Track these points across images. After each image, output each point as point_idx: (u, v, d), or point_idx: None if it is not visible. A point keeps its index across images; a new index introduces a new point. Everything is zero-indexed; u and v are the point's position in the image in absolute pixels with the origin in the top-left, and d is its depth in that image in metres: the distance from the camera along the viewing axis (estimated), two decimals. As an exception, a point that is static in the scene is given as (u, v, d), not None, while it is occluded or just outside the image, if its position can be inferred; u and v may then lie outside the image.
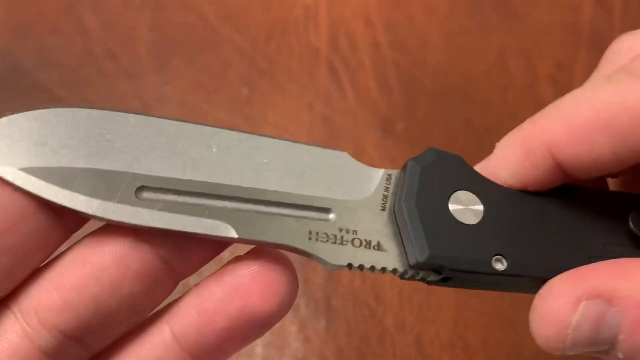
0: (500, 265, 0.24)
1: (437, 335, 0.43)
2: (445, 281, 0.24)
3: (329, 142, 0.48)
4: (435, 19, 0.53)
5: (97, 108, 0.23)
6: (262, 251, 0.23)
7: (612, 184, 0.29)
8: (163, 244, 0.22)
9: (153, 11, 0.51)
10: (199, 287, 0.23)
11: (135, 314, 0.23)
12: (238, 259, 0.23)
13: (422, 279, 0.24)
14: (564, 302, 0.21)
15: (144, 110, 0.48)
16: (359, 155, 0.48)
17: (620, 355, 0.21)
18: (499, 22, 0.53)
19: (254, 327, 0.22)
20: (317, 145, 0.24)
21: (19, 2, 0.51)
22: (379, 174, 0.25)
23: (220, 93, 0.49)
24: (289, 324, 0.43)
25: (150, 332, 0.23)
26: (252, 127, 0.48)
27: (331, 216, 0.23)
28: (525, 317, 0.23)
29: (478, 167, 0.25)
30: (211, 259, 0.23)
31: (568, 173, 0.23)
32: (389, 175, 0.25)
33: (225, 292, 0.22)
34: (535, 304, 0.22)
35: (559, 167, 0.23)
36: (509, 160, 0.24)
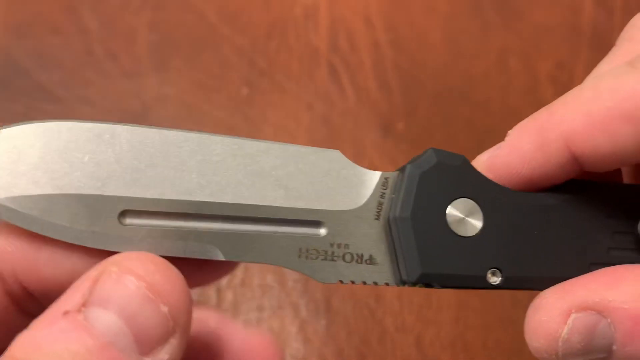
0: (495, 279, 0.23)
1: (438, 335, 0.43)
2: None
3: (329, 142, 0.48)
4: (435, 19, 0.53)
5: (72, 120, 0.21)
6: None
7: (626, 174, 0.28)
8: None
9: (153, 11, 0.51)
10: None
11: None
12: None
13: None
14: (553, 315, 0.21)
15: (144, 110, 0.48)
16: (359, 155, 0.48)
17: None
18: (499, 22, 0.53)
19: None
20: (308, 146, 0.23)
21: (19, 2, 0.51)
22: (375, 177, 0.23)
23: (220, 93, 0.49)
24: (289, 324, 0.43)
25: None
26: (252, 126, 0.48)
27: (322, 230, 0.22)
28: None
29: (488, 155, 0.24)
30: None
31: (584, 166, 0.22)
32: (386, 179, 0.23)
33: None
34: (528, 315, 0.22)
35: (575, 159, 0.22)
36: (522, 150, 0.23)
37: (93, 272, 0.18)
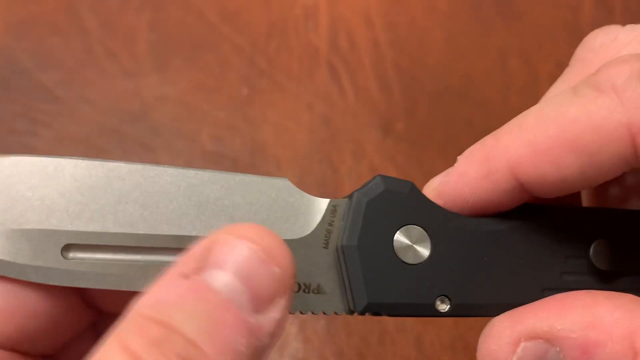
0: (444, 306, 0.23)
1: (438, 335, 0.43)
2: None
3: (329, 142, 0.48)
4: (436, 19, 0.53)
5: (15, 154, 0.21)
6: None
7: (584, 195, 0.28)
8: None
9: (153, 11, 0.51)
10: None
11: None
12: None
13: None
14: (502, 343, 0.21)
15: (144, 110, 0.48)
16: (359, 155, 0.48)
17: None
18: (500, 22, 0.53)
19: None
20: (255, 175, 0.22)
21: (19, 2, 0.51)
22: (323, 205, 0.23)
23: (220, 93, 0.49)
24: (289, 324, 0.43)
25: None
26: (252, 126, 0.48)
27: None
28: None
29: (437, 182, 0.24)
30: None
31: (532, 192, 0.22)
32: (334, 206, 0.23)
33: None
34: (479, 342, 0.22)
35: (522, 187, 0.22)
36: (469, 177, 0.23)
37: (204, 242, 0.19)
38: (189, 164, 0.47)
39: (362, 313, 0.23)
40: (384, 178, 0.23)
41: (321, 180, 0.46)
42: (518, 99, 0.50)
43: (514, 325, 0.21)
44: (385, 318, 0.43)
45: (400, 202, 0.23)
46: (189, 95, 0.49)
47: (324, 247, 0.23)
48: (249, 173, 0.22)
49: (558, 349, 0.20)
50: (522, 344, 0.20)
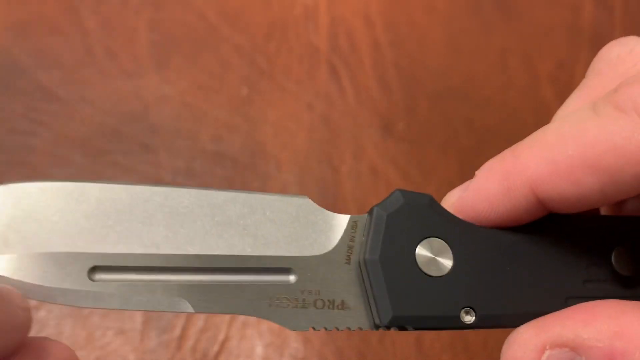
0: (469, 318, 0.23)
1: (438, 335, 0.43)
2: None
3: (329, 142, 0.48)
4: (435, 19, 0.53)
5: (42, 180, 0.21)
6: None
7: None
8: None
9: (153, 11, 0.51)
10: None
11: None
12: None
13: None
14: (527, 351, 0.21)
15: (144, 110, 0.48)
16: (359, 155, 0.48)
17: None
18: (500, 22, 0.53)
19: None
20: (275, 193, 0.23)
21: (19, 2, 0.51)
22: (343, 221, 0.23)
23: (220, 93, 0.49)
24: (289, 324, 0.43)
25: None
26: (252, 126, 0.48)
27: (292, 277, 0.22)
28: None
29: (455, 195, 0.24)
30: None
31: (551, 209, 0.23)
32: (355, 222, 0.23)
33: None
34: (503, 350, 0.22)
35: (541, 204, 0.22)
36: (488, 193, 0.23)
37: None
38: (189, 164, 0.47)
39: (387, 327, 0.22)
40: (403, 192, 0.23)
41: (321, 180, 0.46)
42: (518, 99, 0.50)
43: (540, 333, 0.21)
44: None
45: (420, 214, 0.23)
46: (189, 95, 0.49)
47: (346, 263, 0.23)
48: (270, 193, 0.23)
49: (584, 358, 0.20)
50: (547, 352, 0.20)
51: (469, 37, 0.52)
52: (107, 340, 0.42)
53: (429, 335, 0.43)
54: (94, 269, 0.21)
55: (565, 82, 0.50)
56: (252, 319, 0.43)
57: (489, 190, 0.23)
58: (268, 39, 0.51)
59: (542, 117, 0.32)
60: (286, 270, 0.22)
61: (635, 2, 0.53)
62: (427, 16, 0.53)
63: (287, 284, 0.22)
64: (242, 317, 0.43)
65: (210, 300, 0.21)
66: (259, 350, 0.42)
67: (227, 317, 0.43)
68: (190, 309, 0.21)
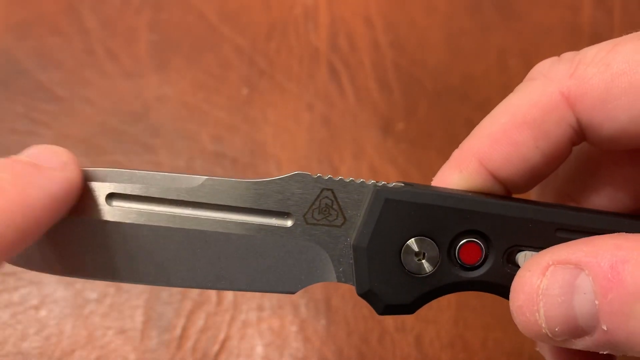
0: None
1: (437, 335, 0.43)
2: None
3: (329, 142, 0.48)
4: (435, 19, 0.53)
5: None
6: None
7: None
8: None
9: (153, 11, 0.51)
10: None
11: None
12: None
13: None
14: (533, 269, 0.22)
15: (144, 110, 0.48)
16: (359, 155, 0.48)
17: (604, 327, 0.21)
18: (499, 22, 0.53)
19: None
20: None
21: (19, 2, 0.51)
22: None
23: (220, 93, 0.49)
24: (289, 324, 0.43)
25: None
26: (252, 127, 0.48)
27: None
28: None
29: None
30: None
31: (502, 180, 0.25)
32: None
33: None
34: (512, 283, 0.23)
35: (492, 175, 0.25)
36: (449, 183, 0.26)
37: None
38: (189, 163, 0.47)
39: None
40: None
41: (321, 180, 0.46)
42: (518, 99, 0.50)
43: (545, 254, 0.22)
44: (385, 318, 0.43)
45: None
46: (189, 95, 0.49)
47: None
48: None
49: (587, 271, 0.21)
50: (551, 268, 0.21)
51: (468, 37, 0.52)
52: (108, 339, 0.42)
53: (428, 334, 0.43)
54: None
55: (565, 82, 0.50)
56: (252, 318, 0.43)
57: (447, 179, 0.26)
58: (268, 39, 0.51)
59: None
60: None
61: (634, 2, 0.53)
62: (427, 16, 0.53)
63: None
64: (242, 317, 0.43)
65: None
66: (259, 349, 0.42)
67: (227, 317, 0.43)
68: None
